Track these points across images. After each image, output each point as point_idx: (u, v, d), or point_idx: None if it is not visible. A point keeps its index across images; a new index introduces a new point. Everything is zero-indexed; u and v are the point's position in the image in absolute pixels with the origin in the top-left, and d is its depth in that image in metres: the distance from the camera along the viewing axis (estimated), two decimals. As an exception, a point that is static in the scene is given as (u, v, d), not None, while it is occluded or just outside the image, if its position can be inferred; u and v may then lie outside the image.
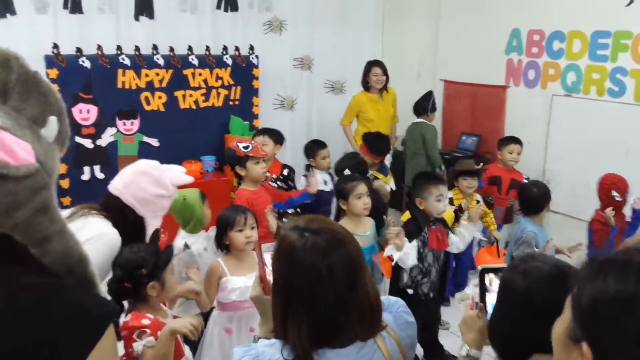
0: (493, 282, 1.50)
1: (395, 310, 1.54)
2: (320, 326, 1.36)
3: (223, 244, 2.87)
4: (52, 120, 1.11)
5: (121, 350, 2.08)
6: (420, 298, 3.39)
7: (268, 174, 4.07)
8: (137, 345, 2.03)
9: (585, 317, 0.89)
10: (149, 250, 2.21)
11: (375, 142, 4.74)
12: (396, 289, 3.44)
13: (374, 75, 5.48)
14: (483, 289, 1.49)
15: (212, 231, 3.25)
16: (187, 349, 2.40)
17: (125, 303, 2.23)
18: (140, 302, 2.19)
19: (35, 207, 1.07)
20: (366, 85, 5.57)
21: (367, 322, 1.40)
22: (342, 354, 1.38)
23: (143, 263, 2.14)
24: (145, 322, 2.10)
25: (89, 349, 1.03)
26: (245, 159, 3.50)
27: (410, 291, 3.38)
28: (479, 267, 1.53)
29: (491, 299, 1.50)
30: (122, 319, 2.16)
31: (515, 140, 4.75)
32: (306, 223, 1.44)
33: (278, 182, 4.23)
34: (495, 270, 1.51)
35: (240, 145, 3.53)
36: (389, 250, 3.25)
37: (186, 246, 3.01)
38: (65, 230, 1.16)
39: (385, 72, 5.50)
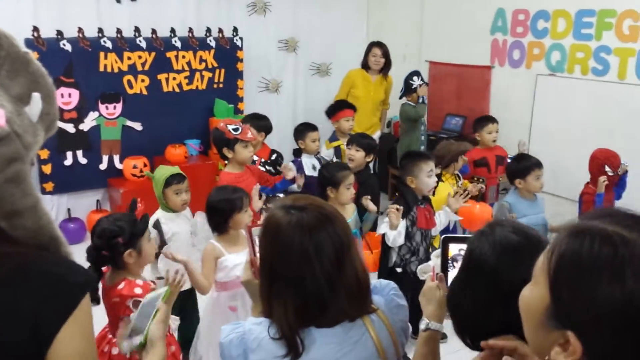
0: (456, 253, 1.43)
1: (386, 294, 1.53)
2: (307, 304, 1.35)
3: (225, 227, 2.83)
4: (35, 97, 1.11)
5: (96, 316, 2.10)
6: (409, 276, 3.42)
7: (256, 158, 4.03)
8: (134, 315, 2.06)
9: (571, 306, 0.80)
10: (125, 219, 2.30)
11: (338, 104, 4.86)
12: (385, 269, 3.49)
13: (372, 56, 5.48)
14: (445, 259, 1.42)
15: (199, 216, 3.24)
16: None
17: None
18: (119, 269, 2.27)
19: (6, 177, 1.06)
20: (365, 65, 5.56)
21: (355, 300, 1.39)
22: (328, 334, 1.37)
23: (120, 232, 2.22)
24: (138, 290, 2.17)
25: (65, 316, 1.04)
26: (235, 141, 3.47)
27: (399, 270, 3.43)
28: (442, 237, 1.47)
29: (454, 270, 1.42)
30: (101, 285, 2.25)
31: (492, 120, 4.76)
32: (292, 201, 1.43)
33: (266, 167, 4.20)
34: (459, 240, 1.42)
35: (230, 127, 3.49)
36: (382, 228, 3.31)
37: (156, 223, 3.04)
38: (38, 207, 1.14)
39: (384, 55, 5.48)
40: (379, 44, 5.54)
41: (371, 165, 4.74)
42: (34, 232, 1.13)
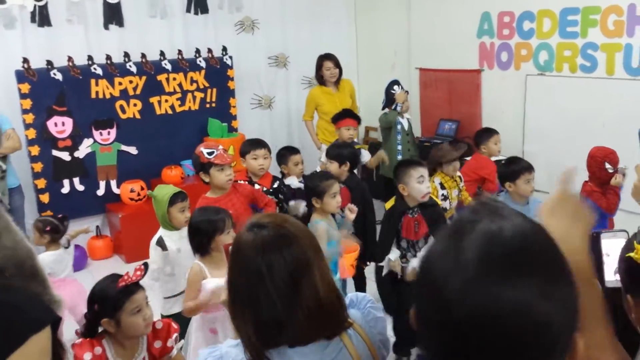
0: None
1: (363, 307, 1.50)
2: (264, 324, 1.31)
3: (207, 248, 2.77)
4: None
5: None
6: (400, 280, 3.42)
7: (258, 186, 3.80)
8: None
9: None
10: (110, 287, 2.18)
11: (343, 113, 4.83)
12: (380, 277, 3.48)
13: (326, 70, 5.50)
14: None
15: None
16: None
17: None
18: (105, 332, 2.19)
19: None
20: (320, 80, 5.59)
21: (316, 321, 1.33)
22: (303, 352, 1.33)
23: (97, 298, 2.16)
24: (87, 356, 2.08)
25: (9, 350, 1.00)
26: (209, 165, 3.33)
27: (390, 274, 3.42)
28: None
29: None
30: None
31: (495, 131, 4.74)
32: (258, 219, 1.40)
33: (268, 196, 4.06)
34: None
35: (205, 151, 3.35)
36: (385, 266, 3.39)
37: (160, 241, 3.04)
38: (11, 225, 1.19)
39: (337, 65, 5.51)
40: (328, 57, 5.54)
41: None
42: (13, 249, 1.17)
